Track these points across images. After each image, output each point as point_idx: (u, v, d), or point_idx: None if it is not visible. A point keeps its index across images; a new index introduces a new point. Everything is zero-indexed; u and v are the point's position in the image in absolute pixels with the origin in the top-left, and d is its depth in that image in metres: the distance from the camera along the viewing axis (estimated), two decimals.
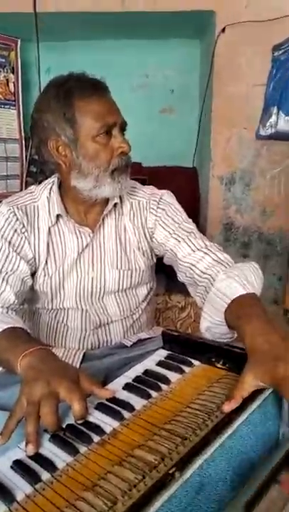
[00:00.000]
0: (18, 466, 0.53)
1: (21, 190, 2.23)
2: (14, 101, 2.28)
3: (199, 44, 2.49)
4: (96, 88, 0.91)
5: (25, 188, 1.09)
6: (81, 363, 1.01)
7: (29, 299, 1.05)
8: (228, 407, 0.57)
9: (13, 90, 2.27)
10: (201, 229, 2.27)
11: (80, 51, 2.45)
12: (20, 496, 0.48)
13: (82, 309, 1.03)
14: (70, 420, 0.60)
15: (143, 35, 2.38)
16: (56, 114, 0.90)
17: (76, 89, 0.89)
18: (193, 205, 2.40)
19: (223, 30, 2.03)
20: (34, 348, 0.71)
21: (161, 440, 0.53)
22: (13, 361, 0.70)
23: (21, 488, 0.49)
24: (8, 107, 2.26)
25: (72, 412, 0.60)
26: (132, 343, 1.06)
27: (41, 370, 0.65)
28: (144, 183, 1.10)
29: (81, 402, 0.60)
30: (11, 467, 0.53)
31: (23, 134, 2.30)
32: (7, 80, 2.23)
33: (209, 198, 2.26)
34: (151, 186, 1.09)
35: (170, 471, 0.47)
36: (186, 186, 2.40)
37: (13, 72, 2.26)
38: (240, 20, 1.99)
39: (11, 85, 2.26)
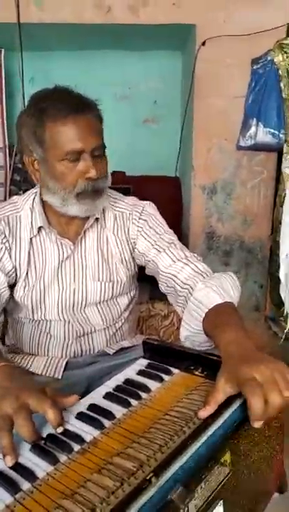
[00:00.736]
0: None
1: (5, 198, 2.23)
2: None
3: (181, 56, 2.54)
4: (74, 109, 0.87)
5: (9, 197, 1.10)
6: (64, 371, 1.01)
7: (11, 309, 1.05)
8: (203, 413, 0.58)
9: None
10: (184, 237, 2.31)
11: (63, 61, 2.47)
12: (0, 507, 0.49)
13: (65, 320, 1.03)
14: (50, 430, 0.61)
15: (126, 46, 2.42)
16: (29, 131, 0.90)
17: (50, 109, 0.87)
18: (176, 214, 2.43)
19: (204, 43, 2.08)
20: None
21: (140, 448, 0.55)
22: None
23: (1, 498, 0.50)
24: None
25: (48, 421, 0.60)
26: (114, 352, 1.07)
27: (7, 387, 0.64)
28: (128, 192, 1.12)
29: (54, 409, 0.59)
30: None
31: (7, 142, 2.30)
32: None
33: (191, 207, 2.29)
34: (133, 197, 1.11)
35: (147, 477, 0.48)
36: (169, 195, 2.43)
37: None
38: (219, 34, 2.04)
39: None
